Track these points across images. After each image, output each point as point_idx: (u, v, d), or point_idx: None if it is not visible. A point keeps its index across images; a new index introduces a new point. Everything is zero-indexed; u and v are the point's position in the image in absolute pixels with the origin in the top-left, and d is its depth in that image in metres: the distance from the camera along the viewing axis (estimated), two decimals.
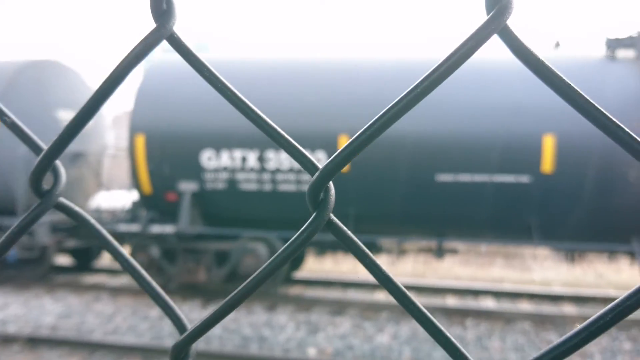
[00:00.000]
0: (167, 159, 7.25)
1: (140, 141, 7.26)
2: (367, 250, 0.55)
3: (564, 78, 0.45)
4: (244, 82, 7.09)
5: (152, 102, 7.41)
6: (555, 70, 0.46)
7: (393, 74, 6.77)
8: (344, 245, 0.55)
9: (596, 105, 0.45)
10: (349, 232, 0.56)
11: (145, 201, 7.71)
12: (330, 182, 0.56)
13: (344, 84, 6.85)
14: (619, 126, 0.45)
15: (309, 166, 0.57)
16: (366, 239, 7.38)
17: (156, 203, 7.58)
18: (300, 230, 0.55)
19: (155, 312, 7.05)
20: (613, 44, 6.53)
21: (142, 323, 6.60)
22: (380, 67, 6.95)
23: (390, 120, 0.52)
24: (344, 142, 6.61)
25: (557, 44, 7.12)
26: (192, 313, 7.03)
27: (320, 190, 0.55)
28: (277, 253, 0.55)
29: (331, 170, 0.55)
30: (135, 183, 7.58)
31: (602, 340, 6.08)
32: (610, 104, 6.08)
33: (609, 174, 6.05)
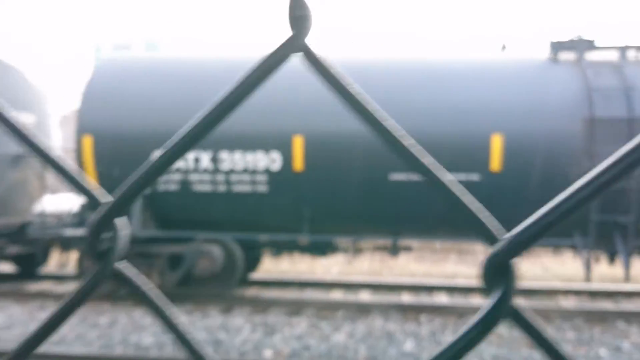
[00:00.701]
0: (117, 160, 7.01)
1: (88, 142, 6.99)
2: (159, 304, 0.49)
3: (361, 100, 0.45)
4: (197, 81, 6.95)
5: (101, 102, 7.15)
6: (357, 92, 0.45)
7: (346, 72, 6.80)
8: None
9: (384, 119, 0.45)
10: (145, 287, 0.50)
11: (93, 204, 7.43)
12: (121, 220, 0.48)
13: (299, 84, 6.83)
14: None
15: (91, 199, 0.50)
16: (322, 239, 7.40)
17: None
18: (83, 284, 0.48)
19: (105, 319, 6.81)
20: (556, 47, 6.82)
21: (91, 331, 6.36)
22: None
23: (185, 146, 0.49)
24: (298, 142, 6.59)
25: (504, 47, 7.36)
26: (144, 319, 6.83)
27: (103, 229, 0.48)
28: (55, 312, 0.48)
29: (121, 204, 0.48)
30: None
31: (549, 330, 6.32)
32: (553, 104, 6.35)
33: (552, 172, 6.31)
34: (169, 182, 7.01)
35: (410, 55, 7.13)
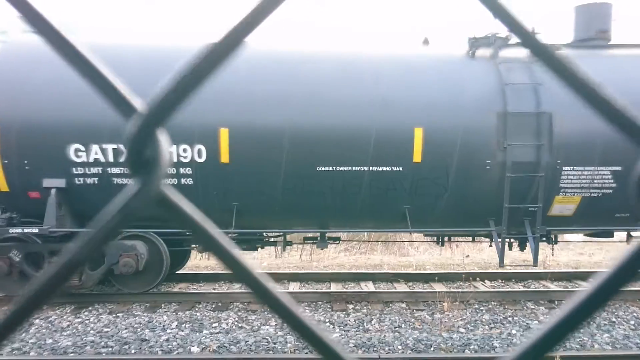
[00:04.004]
0: (27, 153, 6.54)
1: None
2: (217, 237, 0.43)
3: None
4: (118, 69, 6.62)
5: (6, 89, 6.62)
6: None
7: (271, 66, 6.78)
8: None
9: None
10: (191, 212, 0.42)
11: (2, 200, 6.90)
12: (163, 133, 0.41)
13: (224, 75, 6.70)
14: None
15: (122, 105, 0.42)
16: (251, 232, 7.35)
17: (15, 202, 6.82)
18: (117, 207, 0.40)
19: None
20: (473, 43, 7.16)
21: None
22: (257, 59, 6.91)
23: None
24: (225, 136, 6.48)
25: (427, 41, 7.63)
26: (63, 322, 6.46)
27: (145, 142, 0.40)
28: (83, 241, 0.41)
29: (165, 107, 0.40)
30: None
31: (467, 313, 6.70)
32: (470, 98, 6.69)
33: (468, 163, 6.66)
34: (86, 175, 6.65)
35: (335, 49, 7.21)
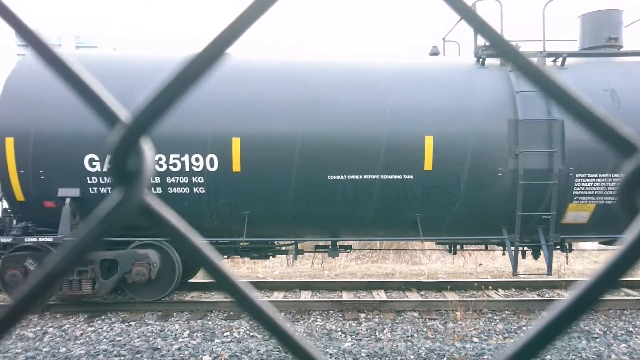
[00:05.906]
0: (42, 163, 6.65)
1: (9, 143, 6.58)
2: (201, 246, 0.43)
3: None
4: (128, 79, 6.73)
5: (24, 100, 6.75)
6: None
7: (282, 76, 6.83)
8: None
9: None
10: (175, 222, 0.42)
11: (17, 209, 7.01)
12: (146, 143, 0.41)
13: (235, 86, 6.76)
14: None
15: (106, 115, 0.42)
16: (262, 241, 7.36)
17: (31, 212, 6.92)
18: (99, 217, 0.40)
19: (33, 331, 6.42)
20: (483, 51, 7.15)
21: (16, 344, 5.98)
22: (268, 67, 6.96)
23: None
24: (237, 145, 6.53)
25: (436, 50, 7.64)
26: (76, 330, 6.51)
27: (128, 152, 0.41)
28: (62, 252, 0.40)
29: (148, 117, 0.40)
30: (5, 190, 6.86)
31: (480, 322, 6.63)
32: (480, 106, 6.67)
33: (479, 170, 6.62)
34: (101, 184, 6.73)
35: (346, 58, 7.25)
